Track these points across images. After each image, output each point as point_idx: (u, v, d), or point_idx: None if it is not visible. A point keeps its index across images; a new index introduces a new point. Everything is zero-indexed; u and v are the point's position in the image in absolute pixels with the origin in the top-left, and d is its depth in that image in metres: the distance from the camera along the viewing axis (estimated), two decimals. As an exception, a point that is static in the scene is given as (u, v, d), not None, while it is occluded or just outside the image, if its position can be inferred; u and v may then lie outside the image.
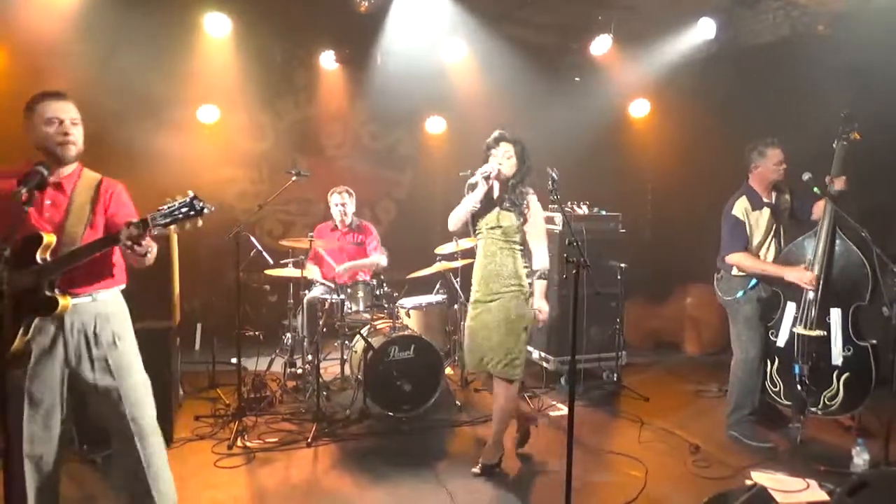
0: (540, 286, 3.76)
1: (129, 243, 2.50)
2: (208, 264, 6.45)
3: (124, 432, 2.74)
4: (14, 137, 5.39)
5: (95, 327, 2.70)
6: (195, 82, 6.45)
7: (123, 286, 2.87)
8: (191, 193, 2.54)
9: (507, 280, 3.72)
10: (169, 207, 2.52)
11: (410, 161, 7.83)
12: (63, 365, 2.66)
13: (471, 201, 3.71)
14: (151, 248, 2.63)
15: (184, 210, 2.52)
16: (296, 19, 6.36)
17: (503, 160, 3.71)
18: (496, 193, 3.80)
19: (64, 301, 2.59)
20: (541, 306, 3.74)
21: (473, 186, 3.71)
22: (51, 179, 2.61)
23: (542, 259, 3.77)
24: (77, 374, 2.69)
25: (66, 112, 2.66)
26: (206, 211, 2.54)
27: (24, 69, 5.67)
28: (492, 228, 3.76)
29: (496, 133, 3.76)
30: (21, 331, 2.54)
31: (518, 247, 3.78)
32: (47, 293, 2.56)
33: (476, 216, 3.81)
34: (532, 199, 3.77)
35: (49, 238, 2.58)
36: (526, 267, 3.82)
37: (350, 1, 5.57)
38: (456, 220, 3.79)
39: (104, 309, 2.74)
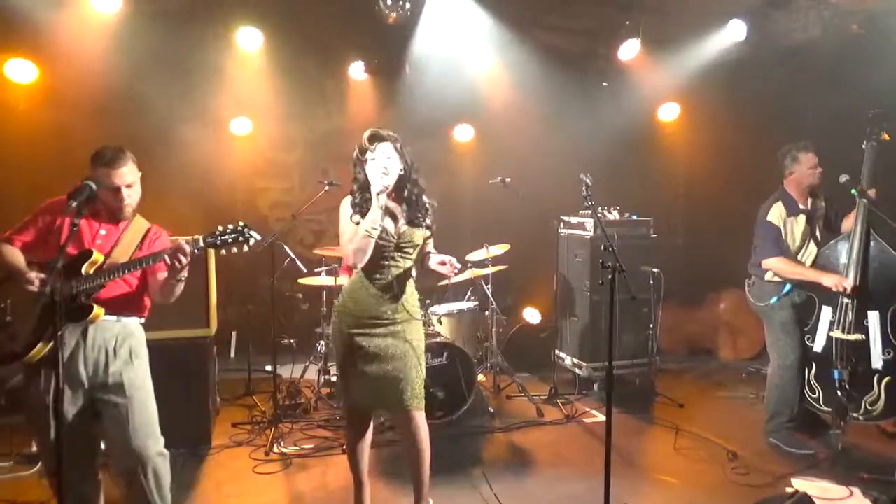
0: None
1: (173, 260, 2.67)
2: (243, 274, 6.56)
3: (130, 449, 2.77)
4: (49, 149, 5.63)
5: (116, 343, 2.81)
6: (228, 95, 6.59)
7: (144, 320, 3.00)
8: (241, 223, 2.77)
9: (414, 305, 3.24)
10: (220, 232, 2.74)
11: (439, 169, 7.84)
12: (82, 377, 2.75)
13: (370, 228, 2.99)
14: (183, 276, 2.78)
15: (233, 236, 2.74)
16: (326, 32, 6.45)
17: (385, 163, 3.05)
18: (381, 205, 3.04)
19: (97, 310, 2.71)
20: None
21: (361, 209, 3.07)
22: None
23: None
24: (92, 386, 2.78)
25: (122, 179, 2.79)
26: (252, 240, 2.75)
27: (62, 85, 5.84)
28: (403, 247, 3.14)
29: (369, 132, 3.11)
30: (48, 335, 2.65)
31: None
32: (83, 301, 2.70)
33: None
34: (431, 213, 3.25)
35: (98, 255, 2.75)
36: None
37: (379, 12, 5.64)
38: (361, 254, 3.02)
39: (125, 330, 2.86)
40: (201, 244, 2.73)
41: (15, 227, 2.82)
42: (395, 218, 3.14)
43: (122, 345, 2.82)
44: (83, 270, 2.71)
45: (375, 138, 3.09)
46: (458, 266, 3.23)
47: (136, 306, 2.92)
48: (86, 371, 2.75)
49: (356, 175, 3.15)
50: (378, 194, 2.99)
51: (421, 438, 3.21)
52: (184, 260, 2.68)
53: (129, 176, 2.81)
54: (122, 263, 2.76)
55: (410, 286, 3.23)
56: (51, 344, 2.65)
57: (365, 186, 3.09)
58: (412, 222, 3.17)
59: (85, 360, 2.75)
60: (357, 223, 3.03)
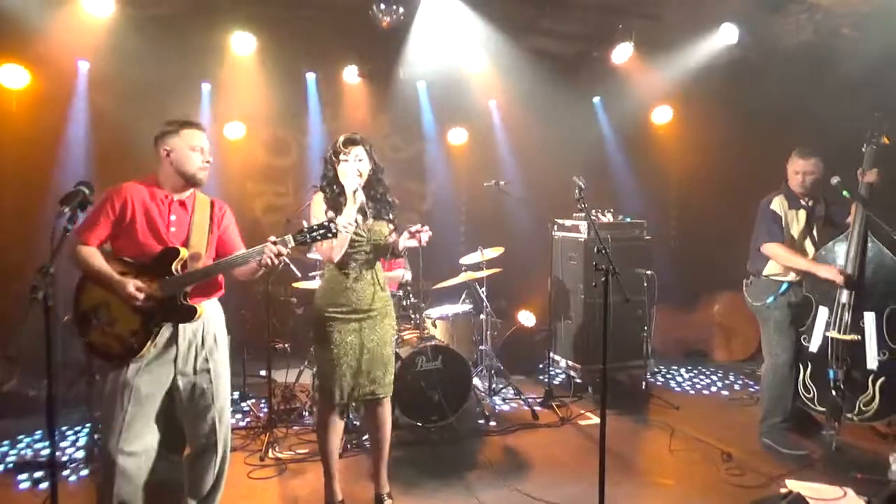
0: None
1: (271, 259, 2.76)
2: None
3: (211, 429, 2.94)
4: (42, 153, 5.60)
5: (203, 332, 2.91)
6: (222, 99, 6.58)
7: (222, 295, 3.08)
8: (326, 217, 2.91)
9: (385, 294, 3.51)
10: (309, 228, 2.83)
11: (433, 172, 7.88)
12: (173, 367, 2.84)
13: (346, 224, 3.17)
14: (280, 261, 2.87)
15: (321, 231, 2.84)
16: (319, 36, 6.45)
17: (357, 165, 3.31)
18: (357, 203, 3.29)
19: (201, 309, 2.83)
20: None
21: (334, 204, 3.28)
22: (174, 198, 2.90)
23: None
24: (182, 375, 2.86)
25: (207, 143, 2.94)
26: (339, 233, 2.88)
27: (54, 90, 5.83)
28: (372, 241, 3.40)
29: (344, 137, 3.36)
30: (152, 336, 2.76)
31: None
32: (184, 302, 2.80)
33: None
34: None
35: (184, 252, 2.81)
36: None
37: (373, 17, 5.64)
38: (339, 249, 3.24)
39: (209, 316, 2.95)
40: (291, 243, 2.82)
41: (83, 224, 2.75)
42: (364, 214, 3.39)
43: (207, 333, 2.93)
44: (174, 269, 2.77)
45: (350, 142, 3.34)
46: (428, 230, 3.34)
47: (216, 287, 3.01)
48: (179, 360, 2.85)
49: (326, 173, 3.40)
50: (354, 192, 3.24)
51: (390, 422, 3.58)
52: (279, 261, 2.79)
53: (208, 143, 2.94)
54: (219, 262, 2.87)
55: (381, 275, 3.50)
56: (158, 336, 2.79)
57: (335, 184, 3.34)
58: (378, 217, 3.46)
59: (178, 350, 2.84)
60: (330, 219, 3.17)
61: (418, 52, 6.43)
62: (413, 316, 5.07)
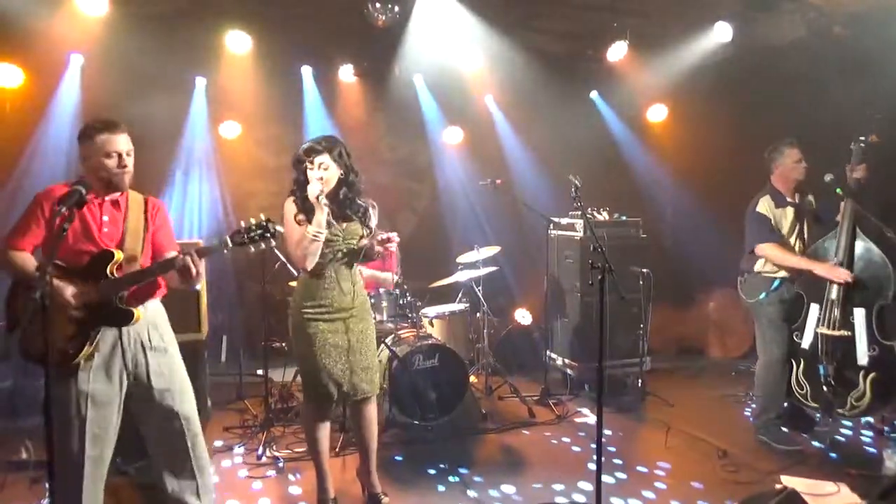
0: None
1: (186, 265, 2.68)
2: (233, 277, 6.54)
3: (177, 430, 2.88)
4: (36, 153, 5.56)
5: (148, 334, 2.86)
6: (217, 98, 6.57)
7: (164, 294, 3.03)
8: (263, 217, 2.75)
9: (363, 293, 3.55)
10: (245, 229, 2.73)
11: (429, 172, 7.88)
12: (122, 370, 2.80)
13: (316, 232, 3.21)
14: (201, 273, 2.79)
15: (259, 232, 2.73)
16: (315, 35, 6.45)
17: (321, 173, 3.26)
18: (324, 210, 3.25)
19: (138, 312, 2.77)
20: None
21: (303, 208, 3.29)
22: (106, 198, 2.81)
23: None
24: (136, 378, 2.83)
25: (124, 145, 2.78)
26: (278, 233, 2.77)
27: (48, 89, 5.81)
28: (346, 242, 3.42)
29: (305, 145, 3.33)
30: (89, 341, 2.70)
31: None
32: (120, 306, 2.75)
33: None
34: (373, 214, 3.53)
35: (119, 255, 2.76)
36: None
37: (368, 15, 5.65)
38: (312, 257, 3.26)
39: (153, 317, 2.90)
40: (230, 244, 2.75)
41: (13, 229, 2.72)
42: (336, 218, 3.36)
43: (153, 335, 2.88)
44: (108, 272, 2.72)
45: (311, 151, 3.29)
46: (395, 238, 3.39)
47: (155, 289, 2.95)
48: (125, 364, 2.80)
49: (297, 178, 3.37)
50: (317, 199, 3.19)
51: (376, 421, 3.60)
52: (193, 270, 2.70)
53: (129, 142, 2.80)
54: (151, 267, 2.81)
55: (359, 276, 3.53)
56: (96, 343, 2.72)
57: (304, 188, 3.29)
58: (351, 220, 3.43)
59: (124, 354, 2.79)
60: (300, 222, 3.25)
61: (414, 50, 6.44)
62: (410, 315, 5.07)
